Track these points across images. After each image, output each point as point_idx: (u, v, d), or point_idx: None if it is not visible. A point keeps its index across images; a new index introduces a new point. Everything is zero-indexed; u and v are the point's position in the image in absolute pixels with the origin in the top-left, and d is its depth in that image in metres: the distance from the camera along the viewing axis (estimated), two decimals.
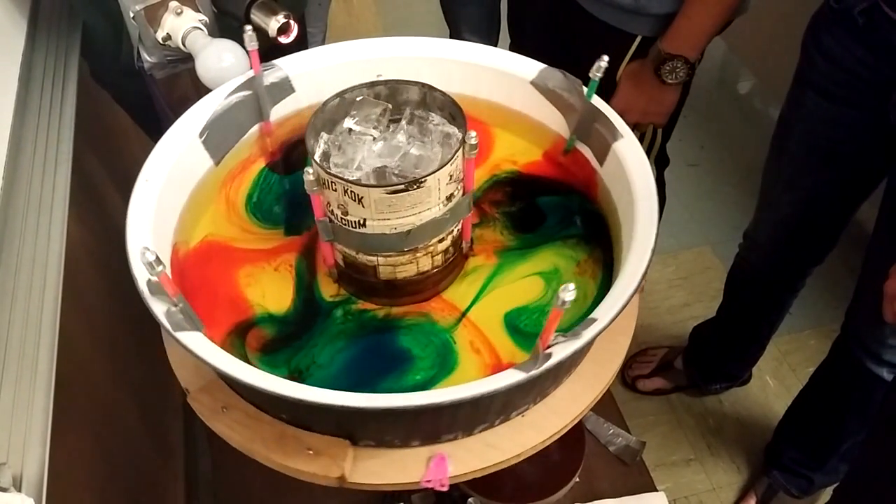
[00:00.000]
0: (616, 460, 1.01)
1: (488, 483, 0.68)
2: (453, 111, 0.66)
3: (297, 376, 0.65)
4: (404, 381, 0.65)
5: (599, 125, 0.74)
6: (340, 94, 0.67)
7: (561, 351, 0.55)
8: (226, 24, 0.83)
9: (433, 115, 0.67)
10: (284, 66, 0.78)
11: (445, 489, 0.62)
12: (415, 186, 0.59)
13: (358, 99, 0.67)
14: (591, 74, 0.71)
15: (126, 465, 0.93)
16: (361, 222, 0.62)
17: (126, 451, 0.95)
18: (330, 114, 0.67)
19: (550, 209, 0.78)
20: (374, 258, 0.66)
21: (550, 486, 0.94)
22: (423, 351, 0.67)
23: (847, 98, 0.95)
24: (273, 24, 0.77)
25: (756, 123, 2.15)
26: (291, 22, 0.79)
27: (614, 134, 0.72)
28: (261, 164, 0.81)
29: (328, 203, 0.63)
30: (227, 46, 0.78)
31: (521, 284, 0.71)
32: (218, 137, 0.75)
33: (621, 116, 0.73)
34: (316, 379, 0.65)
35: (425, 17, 2.03)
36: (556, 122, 0.79)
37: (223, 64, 0.77)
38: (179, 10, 0.79)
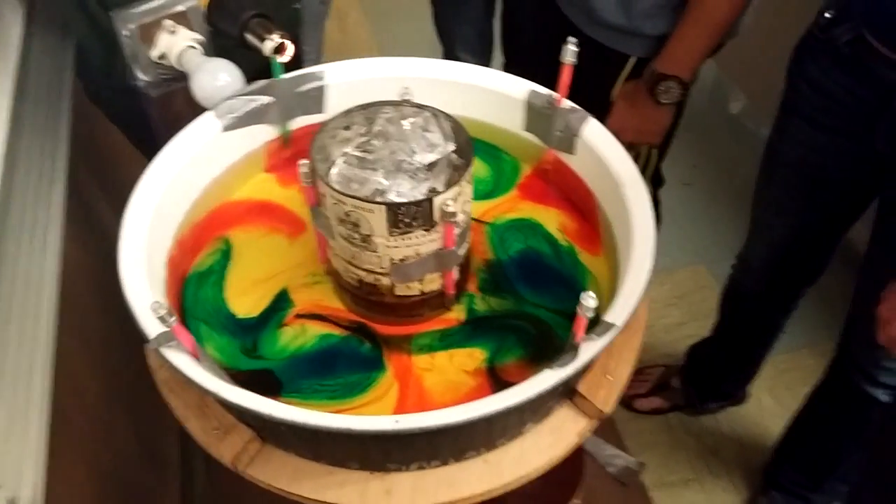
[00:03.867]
0: (615, 481, 1.01)
1: None
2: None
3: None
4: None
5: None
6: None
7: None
8: (221, 43, 0.83)
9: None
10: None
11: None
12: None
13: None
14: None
15: (122, 484, 0.92)
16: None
17: (122, 470, 0.94)
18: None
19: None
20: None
21: None
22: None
23: (833, 126, 0.95)
24: (268, 43, 0.77)
25: (748, 143, 2.16)
26: (287, 42, 0.79)
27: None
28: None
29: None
30: (222, 66, 0.78)
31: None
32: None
33: (616, 136, 0.73)
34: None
35: (419, 35, 2.04)
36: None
37: (218, 83, 0.77)
38: (174, 29, 0.79)
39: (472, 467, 0.63)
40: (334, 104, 0.79)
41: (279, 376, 0.66)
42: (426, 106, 0.67)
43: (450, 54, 1.68)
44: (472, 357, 0.68)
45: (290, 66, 0.79)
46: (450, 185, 0.62)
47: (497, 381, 0.66)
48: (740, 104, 2.25)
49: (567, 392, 0.64)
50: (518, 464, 0.63)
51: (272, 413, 0.53)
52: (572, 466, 0.96)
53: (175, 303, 0.69)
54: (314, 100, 0.79)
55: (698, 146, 2.09)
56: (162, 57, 0.80)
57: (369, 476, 0.62)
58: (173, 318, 0.53)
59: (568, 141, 0.76)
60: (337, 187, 0.60)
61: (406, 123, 0.65)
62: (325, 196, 0.62)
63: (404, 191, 0.62)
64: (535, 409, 0.63)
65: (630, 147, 1.10)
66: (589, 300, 0.53)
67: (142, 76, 0.81)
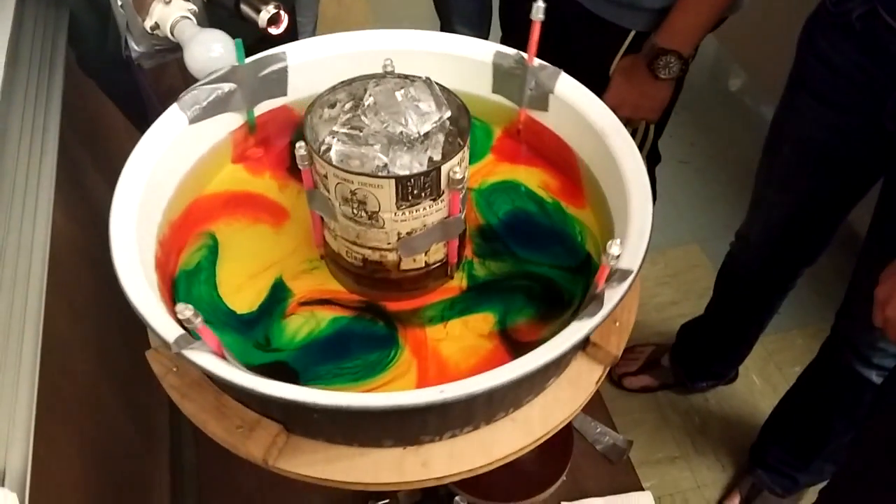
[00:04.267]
0: (602, 459, 1.01)
1: (474, 481, 0.67)
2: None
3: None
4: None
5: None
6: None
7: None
8: (215, 13, 0.82)
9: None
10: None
11: None
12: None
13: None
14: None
15: (110, 457, 0.92)
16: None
17: (111, 443, 0.94)
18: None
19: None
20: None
21: (538, 484, 0.93)
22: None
23: (842, 103, 0.94)
24: (263, 14, 0.76)
25: (747, 121, 2.15)
26: (281, 12, 0.78)
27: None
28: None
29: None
30: (215, 37, 0.76)
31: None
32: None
33: (614, 111, 0.73)
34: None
35: (415, 7, 2.02)
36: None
37: (212, 54, 0.76)
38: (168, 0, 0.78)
39: (502, 428, 0.64)
40: (298, 85, 0.78)
41: (294, 366, 0.65)
42: (411, 76, 0.65)
43: (447, 27, 1.66)
44: (485, 321, 0.69)
45: (284, 38, 0.78)
46: (451, 152, 0.62)
47: (511, 342, 0.67)
48: (740, 81, 2.24)
49: (582, 343, 0.63)
50: (545, 419, 0.64)
51: (320, 401, 0.52)
52: (562, 444, 0.96)
53: (168, 305, 0.67)
54: (277, 82, 0.77)
55: (696, 124, 2.08)
56: (155, 27, 0.79)
57: (403, 452, 0.62)
58: (199, 319, 0.51)
59: (541, 99, 0.76)
60: (341, 166, 0.60)
61: (395, 94, 0.63)
62: (327, 177, 0.61)
63: (405, 163, 0.61)
64: (559, 363, 0.63)
65: (627, 122, 1.10)
66: (614, 248, 0.54)
67: (135, 47, 0.80)
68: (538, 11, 0.70)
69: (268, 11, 0.76)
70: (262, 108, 0.78)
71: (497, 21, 1.61)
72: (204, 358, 0.54)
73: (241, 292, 0.70)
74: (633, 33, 1.09)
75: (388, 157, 0.61)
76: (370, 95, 0.64)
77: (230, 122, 0.76)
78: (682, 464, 1.49)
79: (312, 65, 0.77)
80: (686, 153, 2.04)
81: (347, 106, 0.65)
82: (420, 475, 0.62)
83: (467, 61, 0.78)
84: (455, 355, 0.66)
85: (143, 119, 0.72)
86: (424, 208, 0.62)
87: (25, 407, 0.63)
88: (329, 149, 0.62)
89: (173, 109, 0.70)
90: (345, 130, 0.63)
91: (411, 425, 0.61)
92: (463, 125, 0.63)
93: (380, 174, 0.60)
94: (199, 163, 0.74)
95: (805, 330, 1.66)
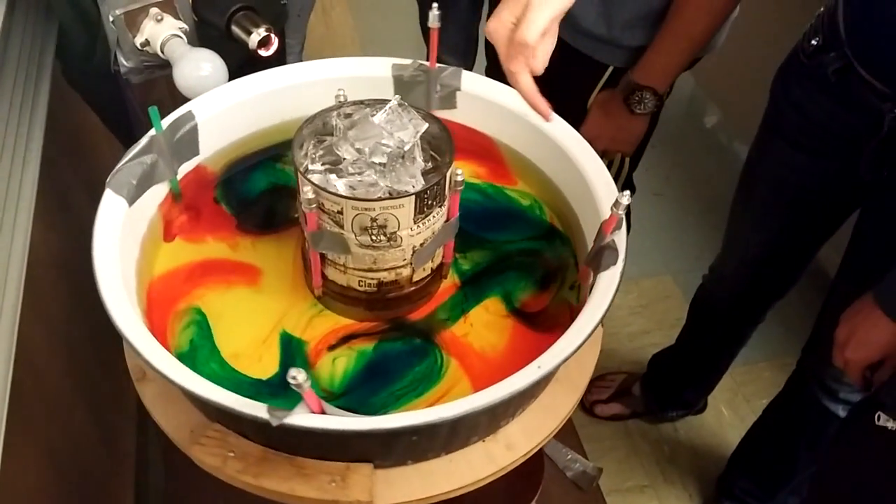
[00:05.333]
0: (572, 486, 1.02)
1: None
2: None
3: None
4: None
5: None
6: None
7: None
8: (206, 33, 0.83)
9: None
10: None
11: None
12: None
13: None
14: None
15: (77, 469, 0.91)
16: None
17: (78, 458, 0.93)
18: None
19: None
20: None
21: None
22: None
23: (816, 149, 0.96)
24: (254, 36, 0.78)
25: (720, 157, 2.20)
26: (272, 35, 0.79)
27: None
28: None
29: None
30: (205, 56, 0.78)
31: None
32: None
33: (590, 143, 0.75)
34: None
35: (402, 32, 2.05)
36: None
37: (201, 73, 0.77)
38: (160, 17, 0.79)
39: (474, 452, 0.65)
40: (208, 141, 0.75)
41: (350, 406, 0.62)
42: (363, 100, 0.66)
43: None
44: (494, 305, 0.72)
45: (273, 61, 0.79)
46: (442, 154, 0.64)
47: (525, 316, 0.71)
48: (715, 118, 2.29)
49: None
50: (523, 442, 0.66)
51: (447, 415, 0.53)
52: (533, 470, 0.97)
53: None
54: (190, 144, 0.73)
55: (672, 158, 2.12)
56: (145, 44, 0.80)
57: (482, 444, 0.64)
58: (308, 383, 0.50)
59: (449, 98, 0.80)
60: (361, 196, 0.60)
61: (370, 119, 0.64)
62: (342, 212, 0.60)
63: (403, 178, 0.63)
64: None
65: (603, 154, 1.13)
66: (624, 198, 0.59)
67: (124, 62, 0.81)
68: (434, 19, 0.73)
69: (258, 34, 0.77)
70: (179, 173, 0.74)
71: (483, 51, 1.64)
72: (308, 418, 0.53)
73: (254, 359, 0.67)
74: (611, 69, 1.11)
75: (387, 179, 0.62)
76: (341, 127, 0.64)
77: (157, 195, 0.72)
78: (650, 493, 1.50)
79: (219, 117, 0.75)
80: (661, 186, 2.07)
81: (311, 144, 0.65)
82: (506, 459, 0.64)
83: (370, 80, 0.78)
84: (485, 344, 0.69)
85: (127, 133, 0.72)
86: (434, 216, 0.64)
87: None
88: (336, 184, 0.62)
89: (109, 196, 0.65)
90: (324, 167, 0.63)
91: (500, 413, 0.63)
92: (435, 131, 0.65)
93: (402, 194, 0.61)
94: (144, 244, 0.70)
95: (772, 362, 1.68)
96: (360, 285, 0.68)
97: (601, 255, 0.64)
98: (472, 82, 0.80)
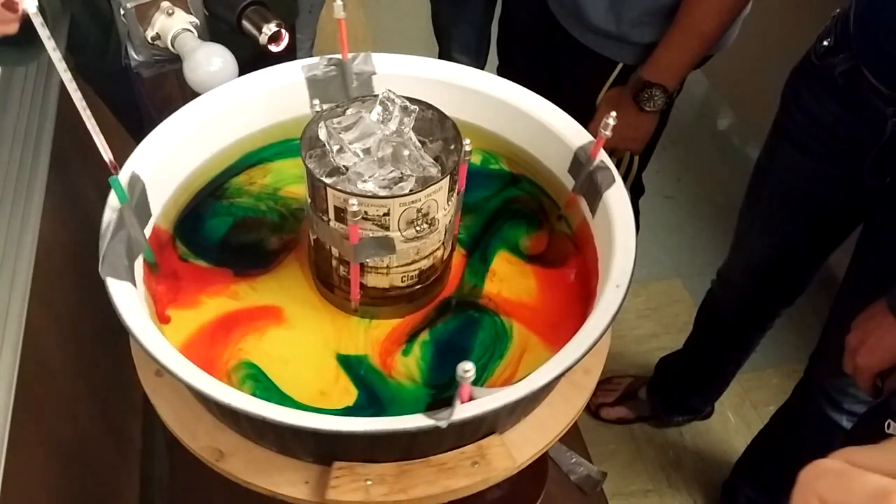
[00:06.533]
0: (576, 489, 1.02)
1: None
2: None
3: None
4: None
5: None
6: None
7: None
8: (216, 28, 0.83)
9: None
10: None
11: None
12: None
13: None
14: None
15: (83, 463, 0.92)
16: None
17: (84, 450, 0.93)
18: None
19: None
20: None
21: None
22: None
23: (823, 154, 0.96)
24: (265, 31, 0.77)
25: (733, 160, 2.18)
26: (283, 31, 0.79)
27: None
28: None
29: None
30: (216, 51, 0.77)
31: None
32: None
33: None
34: None
35: (414, 28, 2.04)
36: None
37: (211, 68, 0.76)
38: (171, 11, 0.79)
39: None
40: (156, 196, 0.70)
41: (451, 392, 0.61)
42: (337, 104, 0.65)
43: (445, 55, 1.68)
44: (505, 259, 0.75)
45: (283, 56, 0.79)
46: (446, 131, 0.64)
47: (533, 259, 0.75)
48: (728, 121, 2.28)
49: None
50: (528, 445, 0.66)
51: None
52: (537, 473, 0.97)
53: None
54: (143, 207, 0.68)
55: (683, 160, 2.11)
56: (156, 38, 0.80)
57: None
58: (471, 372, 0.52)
59: (366, 84, 0.79)
60: (404, 191, 0.60)
61: (363, 116, 0.64)
62: (388, 213, 0.59)
63: (420, 162, 0.63)
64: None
65: (612, 153, 1.12)
66: (610, 119, 0.60)
67: (135, 55, 0.81)
68: (339, 10, 0.73)
69: (269, 29, 0.77)
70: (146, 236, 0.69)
71: (494, 50, 1.63)
72: (478, 403, 0.55)
73: (329, 393, 0.65)
74: (620, 65, 1.11)
75: (403, 168, 0.62)
76: (335, 136, 0.63)
77: (139, 271, 0.66)
78: (654, 498, 1.50)
79: (160, 168, 0.70)
80: (672, 189, 2.06)
81: (315, 155, 0.64)
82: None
83: (286, 89, 0.78)
84: (521, 293, 0.72)
85: (139, 128, 0.72)
86: (454, 191, 0.64)
87: (1, 409, 0.63)
88: (375, 187, 0.62)
89: (114, 285, 0.59)
90: (345, 175, 0.63)
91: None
92: (423, 112, 0.65)
93: (435, 177, 0.61)
94: (155, 322, 0.65)
95: (780, 369, 1.67)
96: (402, 281, 0.67)
97: (595, 178, 0.67)
98: (386, 63, 0.80)
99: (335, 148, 0.63)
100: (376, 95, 0.63)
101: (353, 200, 0.57)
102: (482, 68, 0.83)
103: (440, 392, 0.65)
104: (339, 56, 0.77)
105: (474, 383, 0.54)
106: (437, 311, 0.71)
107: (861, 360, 0.82)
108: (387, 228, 0.61)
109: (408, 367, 0.67)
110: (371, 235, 0.61)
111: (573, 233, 0.76)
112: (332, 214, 0.61)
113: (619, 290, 0.61)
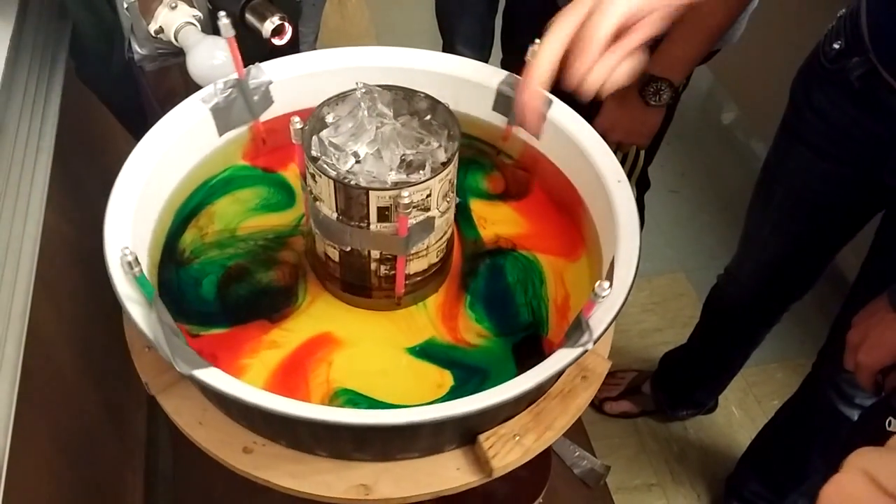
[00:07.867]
0: (579, 483, 1.02)
1: (452, 499, 0.68)
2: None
3: None
4: None
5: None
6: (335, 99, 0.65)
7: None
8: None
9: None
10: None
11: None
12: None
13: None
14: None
15: (86, 456, 0.92)
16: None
17: (87, 442, 0.93)
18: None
19: None
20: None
21: None
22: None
23: (839, 156, 0.94)
24: (268, 24, 0.77)
25: (738, 154, 2.18)
26: (286, 24, 0.78)
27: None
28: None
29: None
30: (219, 44, 0.77)
31: None
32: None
33: (604, 135, 0.75)
34: None
35: (418, 23, 2.04)
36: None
37: (215, 62, 0.76)
38: (174, 5, 0.79)
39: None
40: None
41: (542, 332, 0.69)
42: (324, 102, 0.65)
43: (448, 48, 1.67)
44: (482, 203, 0.80)
45: (287, 49, 0.79)
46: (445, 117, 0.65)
47: (506, 196, 0.80)
48: (733, 115, 2.27)
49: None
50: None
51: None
52: (540, 466, 0.97)
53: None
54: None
55: (688, 154, 2.10)
56: (159, 31, 0.80)
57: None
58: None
59: (265, 95, 0.77)
60: (437, 170, 0.60)
61: (346, 128, 0.63)
62: (430, 194, 0.60)
63: (425, 139, 0.64)
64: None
65: (618, 147, 1.12)
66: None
67: (138, 49, 0.80)
68: (227, 29, 0.69)
69: (272, 22, 0.77)
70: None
71: (499, 44, 1.63)
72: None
73: (426, 383, 0.65)
74: None
75: (416, 148, 0.63)
76: (334, 142, 0.63)
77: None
78: (658, 492, 1.50)
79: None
80: (676, 183, 2.06)
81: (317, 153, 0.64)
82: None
83: (191, 132, 0.73)
84: (518, 229, 0.77)
85: (141, 129, 0.71)
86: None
87: (5, 402, 0.63)
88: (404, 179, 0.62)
89: (205, 373, 0.55)
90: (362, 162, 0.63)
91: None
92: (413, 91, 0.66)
93: (455, 152, 0.62)
94: None
95: (785, 364, 1.67)
96: (437, 256, 0.68)
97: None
98: (275, 69, 0.77)
99: (336, 157, 0.62)
100: (346, 93, 0.63)
101: (406, 192, 0.57)
102: (486, 61, 0.82)
103: (514, 336, 0.68)
104: (235, 76, 0.74)
105: (542, 313, 0.64)
106: (463, 274, 0.73)
107: (862, 357, 0.82)
108: (427, 209, 0.61)
109: (474, 329, 0.69)
110: (415, 222, 0.61)
111: (517, 160, 0.81)
112: (373, 217, 0.60)
113: (627, 277, 0.61)
